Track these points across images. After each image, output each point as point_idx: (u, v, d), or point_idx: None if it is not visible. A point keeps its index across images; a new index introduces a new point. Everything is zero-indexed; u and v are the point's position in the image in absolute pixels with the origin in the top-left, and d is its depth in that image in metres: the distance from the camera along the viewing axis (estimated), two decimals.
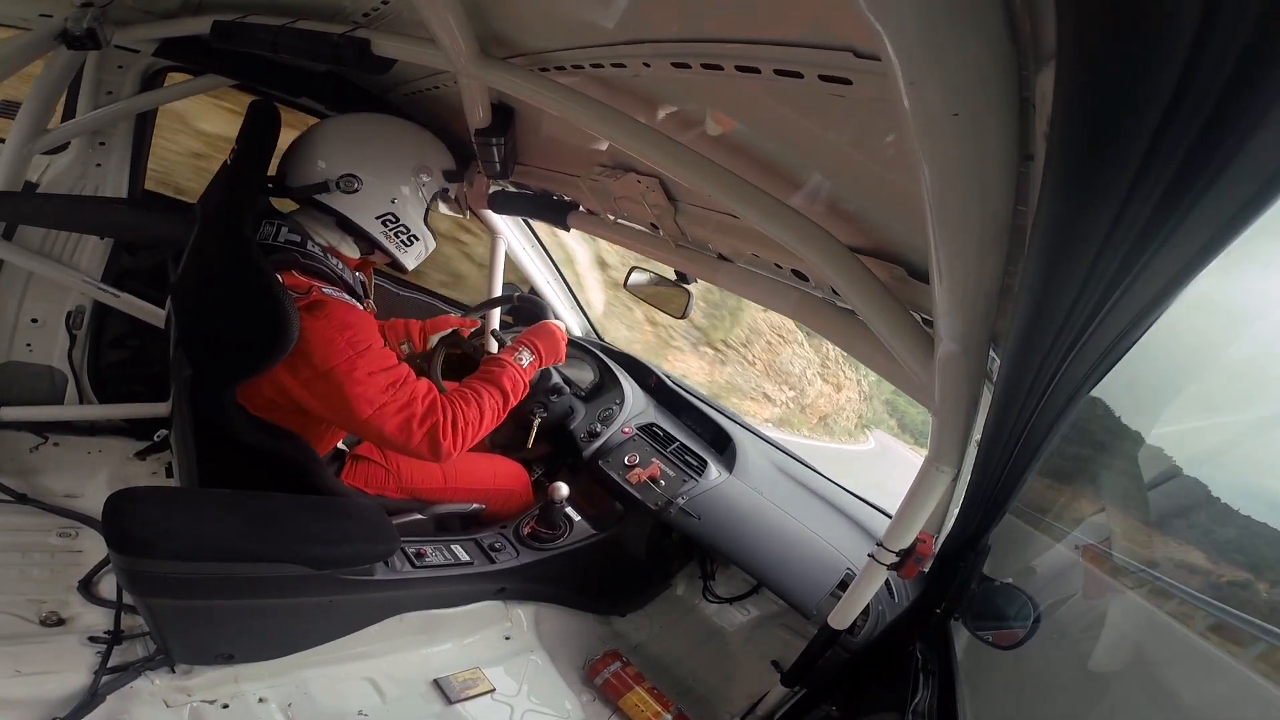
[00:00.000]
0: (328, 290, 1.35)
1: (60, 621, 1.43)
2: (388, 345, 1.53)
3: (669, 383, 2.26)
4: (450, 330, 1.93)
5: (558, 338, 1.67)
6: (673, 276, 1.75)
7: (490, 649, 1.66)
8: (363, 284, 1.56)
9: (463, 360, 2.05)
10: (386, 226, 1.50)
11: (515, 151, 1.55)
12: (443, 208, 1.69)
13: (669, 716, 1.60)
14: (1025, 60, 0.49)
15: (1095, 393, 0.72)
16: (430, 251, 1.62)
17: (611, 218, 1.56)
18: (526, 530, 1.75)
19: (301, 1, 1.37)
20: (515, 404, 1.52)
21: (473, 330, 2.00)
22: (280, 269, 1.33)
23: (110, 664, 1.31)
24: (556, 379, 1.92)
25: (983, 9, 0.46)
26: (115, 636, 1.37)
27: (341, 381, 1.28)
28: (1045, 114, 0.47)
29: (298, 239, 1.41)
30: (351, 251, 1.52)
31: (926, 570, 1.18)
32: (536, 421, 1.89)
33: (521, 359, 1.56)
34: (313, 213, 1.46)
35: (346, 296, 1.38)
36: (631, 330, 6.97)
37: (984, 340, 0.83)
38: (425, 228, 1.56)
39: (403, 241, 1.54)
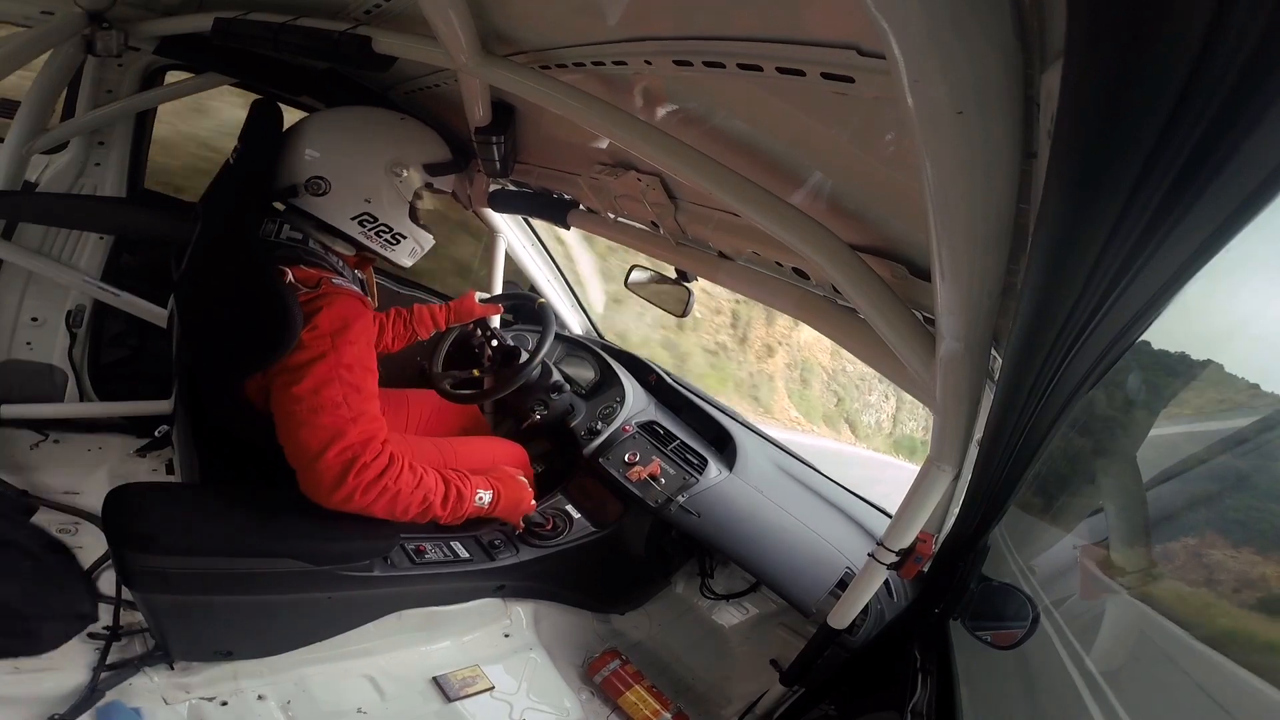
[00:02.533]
0: (337, 281, 1.34)
1: None
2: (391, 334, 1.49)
3: (669, 380, 2.26)
4: (474, 321, 1.95)
5: (524, 503, 1.58)
6: (673, 275, 1.74)
7: (489, 647, 1.66)
8: (362, 283, 1.56)
9: (463, 353, 2.06)
10: (364, 227, 1.44)
11: (515, 149, 1.55)
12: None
13: (668, 715, 1.60)
14: (1031, 58, 0.49)
15: None
16: (428, 247, 1.57)
17: (612, 216, 1.55)
18: (518, 530, 1.76)
19: None
20: (443, 520, 1.41)
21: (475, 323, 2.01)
22: (288, 264, 1.32)
23: (109, 661, 1.31)
24: (557, 376, 1.92)
25: (990, 8, 0.46)
26: (114, 633, 1.37)
27: (300, 367, 1.21)
28: (1050, 112, 0.47)
29: (299, 236, 1.41)
30: (346, 249, 1.49)
31: (926, 570, 1.18)
32: (539, 415, 1.90)
33: (481, 498, 1.47)
34: (297, 213, 1.43)
35: (355, 288, 1.38)
36: None
37: (986, 339, 0.83)
38: (412, 224, 1.50)
39: (387, 241, 1.48)
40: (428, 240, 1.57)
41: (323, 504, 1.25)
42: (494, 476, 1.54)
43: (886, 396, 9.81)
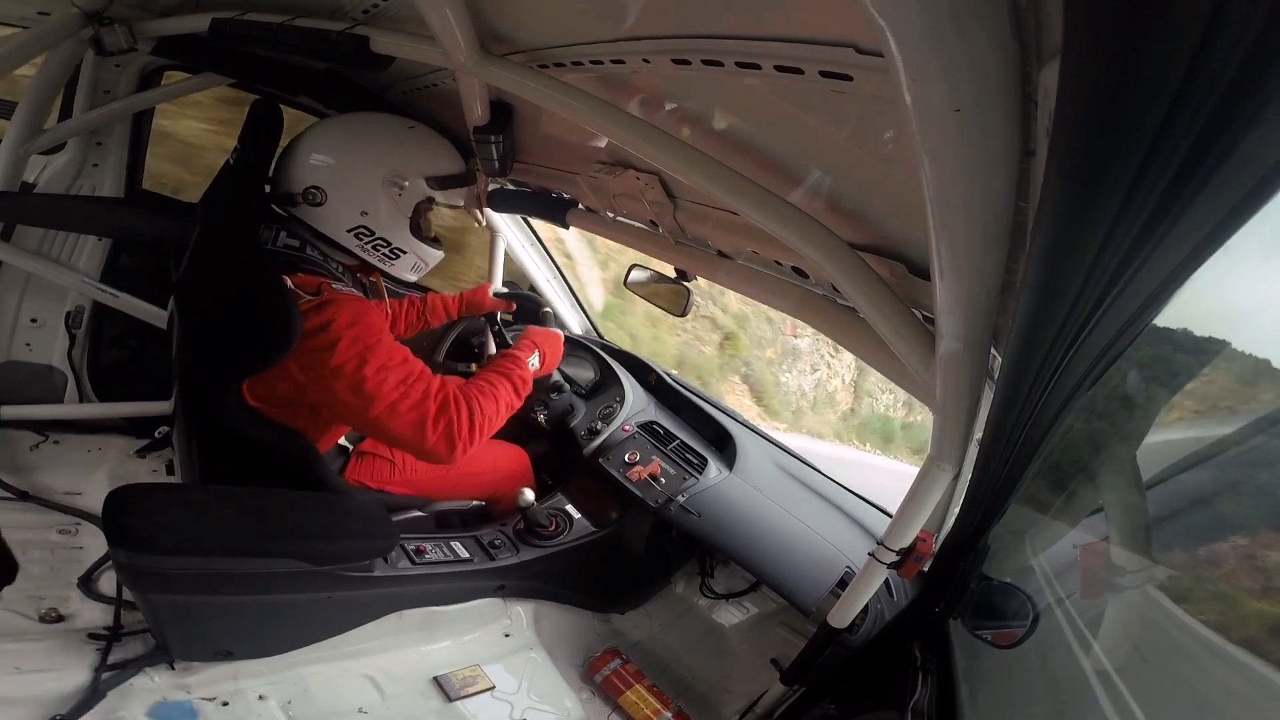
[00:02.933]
0: (337, 286, 1.34)
1: (60, 619, 1.43)
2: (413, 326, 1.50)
3: (669, 380, 2.26)
4: (485, 315, 1.97)
5: (560, 347, 1.61)
6: (672, 274, 1.74)
7: (490, 646, 1.66)
8: (365, 289, 1.55)
9: (463, 347, 2.06)
10: (361, 240, 1.41)
11: (514, 149, 1.55)
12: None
13: (668, 714, 1.60)
14: (1029, 56, 0.49)
15: None
16: (434, 262, 1.54)
17: (610, 215, 1.55)
18: (518, 529, 1.76)
19: None
20: (520, 406, 1.46)
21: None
22: (285, 272, 1.32)
23: (110, 661, 1.31)
24: (557, 377, 1.92)
25: (987, 5, 0.45)
26: (115, 633, 1.37)
27: (351, 378, 1.24)
28: (1048, 110, 0.46)
29: (296, 244, 1.40)
30: (347, 258, 1.47)
31: (926, 569, 1.18)
32: (541, 416, 1.90)
33: (533, 362, 1.50)
34: (295, 221, 1.41)
35: (356, 290, 1.38)
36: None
37: (985, 337, 0.83)
38: (413, 239, 1.47)
39: (385, 255, 1.45)
40: (433, 255, 1.53)
41: (453, 465, 1.36)
42: (534, 340, 1.55)
43: (836, 350, 6.19)
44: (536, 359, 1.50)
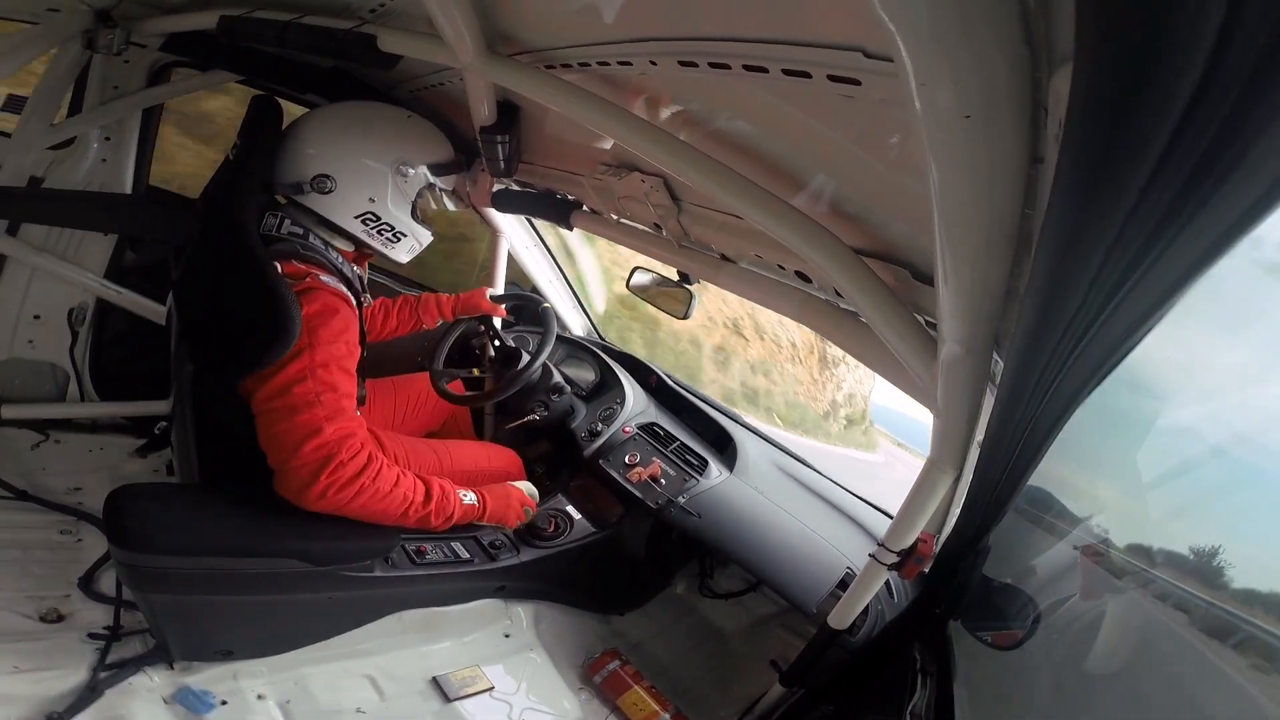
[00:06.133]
0: (324, 278, 1.35)
1: (60, 618, 1.43)
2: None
3: (669, 382, 2.26)
4: (479, 316, 1.95)
5: (513, 505, 1.55)
6: (675, 277, 1.75)
7: (489, 647, 1.66)
8: (362, 279, 1.56)
9: (463, 353, 2.06)
10: (367, 225, 1.45)
11: (519, 149, 1.55)
12: (447, 202, 1.63)
13: (667, 716, 1.60)
14: (1039, 62, 0.49)
15: None
16: (426, 244, 1.58)
17: (615, 217, 1.56)
18: (518, 530, 1.76)
19: None
20: (434, 522, 1.38)
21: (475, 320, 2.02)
22: (281, 258, 1.33)
23: (109, 660, 1.30)
24: (558, 378, 1.92)
25: (998, 11, 0.46)
26: (114, 633, 1.37)
27: (283, 362, 1.21)
28: (1057, 117, 0.47)
29: (300, 231, 1.41)
30: (346, 245, 1.50)
31: (927, 570, 1.18)
32: (536, 417, 1.90)
33: (466, 497, 1.45)
34: (300, 209, 1.43)
35: (343, 287, 1.38)
36: None
37: (988, 343, 0.83)
38: (413, 223, 1.51)
39: (388, 239, 1.49)
40: (427, 237, 1.57)
41: (299, 504, 1.24)
42: (478, 487, 1.52)
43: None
44: (474, 496, 1.47)
